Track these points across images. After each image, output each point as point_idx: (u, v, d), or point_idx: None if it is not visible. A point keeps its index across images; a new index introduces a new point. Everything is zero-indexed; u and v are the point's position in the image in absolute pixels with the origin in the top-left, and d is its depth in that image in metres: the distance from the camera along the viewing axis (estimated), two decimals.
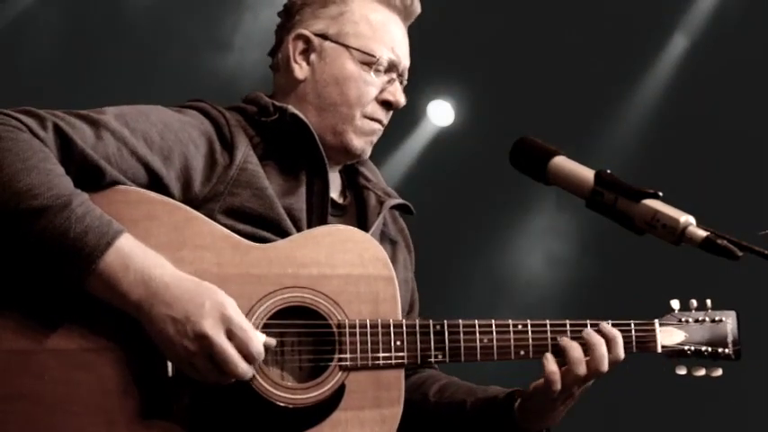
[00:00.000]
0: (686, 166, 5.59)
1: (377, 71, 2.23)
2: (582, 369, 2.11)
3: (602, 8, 5.66)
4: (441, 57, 5.80)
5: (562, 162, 1.86)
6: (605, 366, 2.12)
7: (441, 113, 6.25)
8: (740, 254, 1.63)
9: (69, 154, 1.86)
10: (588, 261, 6.07)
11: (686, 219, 1.67)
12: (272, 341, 1.92)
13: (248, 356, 1.86)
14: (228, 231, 1.98)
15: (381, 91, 2.24)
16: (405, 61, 2.29)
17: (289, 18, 2.31)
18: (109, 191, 1.92)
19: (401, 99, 2.26)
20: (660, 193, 1.73)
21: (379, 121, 2.26)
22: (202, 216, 1.98)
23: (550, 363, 2.12)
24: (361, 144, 2.25)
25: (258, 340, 1.88)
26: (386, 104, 2.25)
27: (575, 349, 2.12)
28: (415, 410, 2.32)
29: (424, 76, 5.81)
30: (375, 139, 2.29)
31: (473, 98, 6.18)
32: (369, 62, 2.22)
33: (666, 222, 1.68)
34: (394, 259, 2.29)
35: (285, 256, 2.00)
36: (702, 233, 1.65)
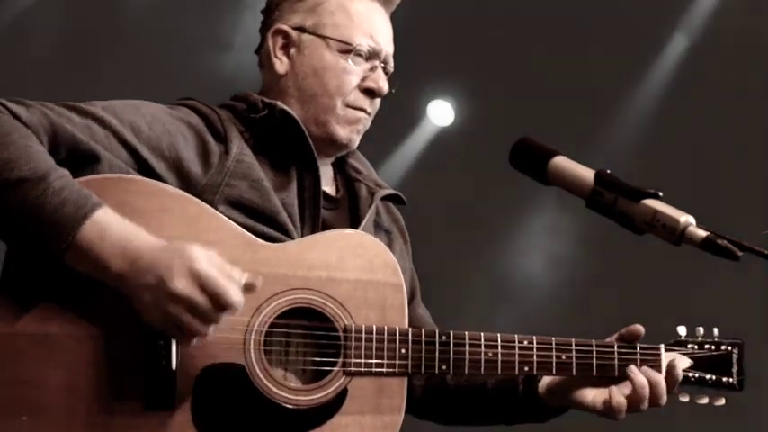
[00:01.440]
0: (686, 166, 5.58)
1: (356, 59, 2.22)
2: (645, 405, 2.17)
3: (602, 8, 5.66)
4: (441, 57, 5.80)
5: (562, 162, 1.86)
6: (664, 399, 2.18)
7: (441, 113, 6.24)
8: (740, 254, 1.63)
9: (59, 139, 1.87)
10: (588, 261, 6.07)
11: (686, 219, 1.67)
12: (257, 280, 1.87)
13: (226, 305, 1.82)
14: (241, 229, 1.99)
15: (363, 79, 2.24)
16: (387, 48, 2.28)
17: (269, 15, 2.32)
18: (122, 180, 1.92)
19: (384, 86, 2.25)
20: (660, 193, 1.73)
21: (363, 110, 2.24)
22: (215, 211, 1.98)
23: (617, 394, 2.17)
24: (346, 133, 2.24)
25: (233, 289, 1.82)
26: (368, 92, 2.24)
27: (645, 388, 2.16)
28: (433, 395, 2.36)
29: (424, 76, 5.83)
30: (361, 128, 2.27)
31: (473, 98, 6.17)
32: (346, 50, 2.22)
33: (666, 222, 1.68)
34: (390, 249, 2.29)
35: (295, 258, 2.01)
36: (702, 233, 1.65)
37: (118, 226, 1.82)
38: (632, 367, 2.17)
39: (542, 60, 5.72)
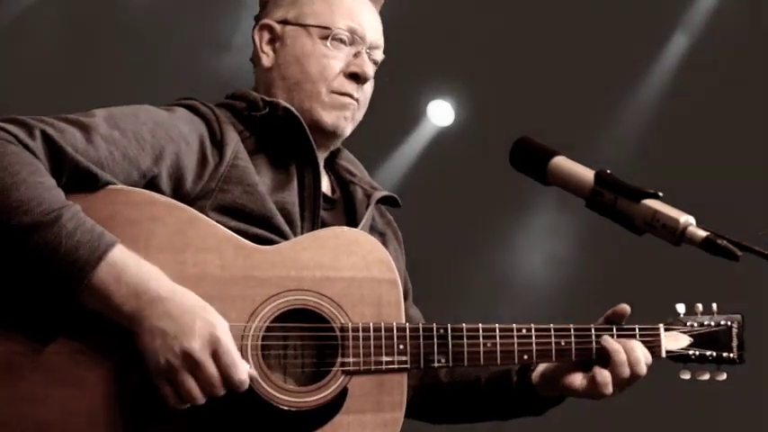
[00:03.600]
0: (686, 166, 5.58)
1: (336, 44, 2.23)
2: (626, 371, 2.15)
3: (603, 8, 5.66)
4: (441, 57, 5.80)
5: (562, 162, 1.86)
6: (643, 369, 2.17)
7: (441, 113, 6.24)
8: (740, 254, 1.63)
9: (59, 162, 1.85)
10: (588, 261, 6.07)
11: (686, 219, 1.67)
12: (254, 373, 1.90)
13: (230, 382, 1.84)
14: (232, 233, 1.98)
15: (348, 64, 2.24)
16: (371, 35, 2.28)
17: (259, 14, 2.36)
18: (111, 191, 1.90)
19: (368, 71, 2.25)
20: (660, 194, 1.73)
21: (349, 95, 2.24)
22: (206, 217, 1.97)
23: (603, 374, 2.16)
24: (332, 119, 2.23)
25: (244, 368, 1.85)
26: (353, 77, 2.24)
27: (620, 353, 2.15)
28: (427, 393, 2.35)
29: (424, 76, 5.83)
30: (349, 114, 2.26)
31: (473, 98, 6.17)
32: (325, 35, 2.23)
33: (666, 222, 1.68)
34: None
35: (289, 259, 2.00)
36: (702, 233, 1.65)
37: (134, 266, 1.82)
38: (605, 336, 2.18)
39: (542, 60, 5.72)
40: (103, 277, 1.79)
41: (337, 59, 2.23)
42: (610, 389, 2.16)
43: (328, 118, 2.23)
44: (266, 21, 2.30)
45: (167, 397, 1.82)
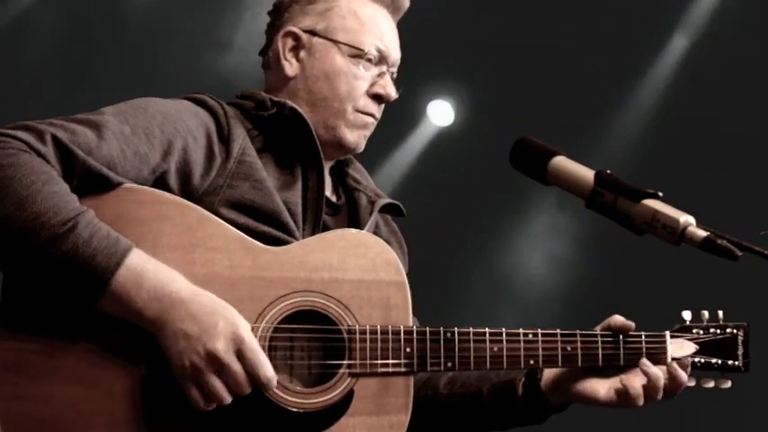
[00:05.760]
0: (686, 166, 5.59)
1: (366, 64, 2.24)
2: (659, 396, 2.17)
3: (602, 8, 5.66)
4: (441, 57, 5.80)
5: (562, 162, 1.86)
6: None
7: (441, 113, 6.25)
8: (740, 254, 1.63)
9: (71, 166, 1.85)
10: (588, 261, 6.07)
11: (686, 219, 1.67)
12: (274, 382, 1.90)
13: (256, 379, 1.85)
14: (241, 233, 1.98)
15: (372, 84, 2.25)
16: (394, 54, 2.30)
17: (278, 16, 2.33)
18: (121, 190, 1.91)
19: (392, 92, 2.27)
20: (660, 193, 1.73)
21: (372, 115, 2.26)
22: (215, 217, 1.97)
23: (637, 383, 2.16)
24: (355, 138, 2.25)
25: (269, 365, 1.86)
26: (377, 98, 2.26)
27: (660, 380, 2.16)
28: (427, 406, 2.32)
29: (424, 76, 5.83)
30: (368, 132, 2.29)
31: (473, 98, 6.18)
32: (357, 55, 2.24)
33: (666, 222, 1.68)
34: None
35: (297, 260, 2.00)
36: (702, 233, 1.65)
37: (152, 269, 1.83)
38: (644, 360, 2.17)
39: (542, 60, 5.72)
40: (123, 282, 1.80)
41: (364, 80, 2.24)
42: (641, 402, 2.16)
43: (351, 136, 2.25)
44: (291, 28, 2.28)
45: (194, 398, 1.83)
